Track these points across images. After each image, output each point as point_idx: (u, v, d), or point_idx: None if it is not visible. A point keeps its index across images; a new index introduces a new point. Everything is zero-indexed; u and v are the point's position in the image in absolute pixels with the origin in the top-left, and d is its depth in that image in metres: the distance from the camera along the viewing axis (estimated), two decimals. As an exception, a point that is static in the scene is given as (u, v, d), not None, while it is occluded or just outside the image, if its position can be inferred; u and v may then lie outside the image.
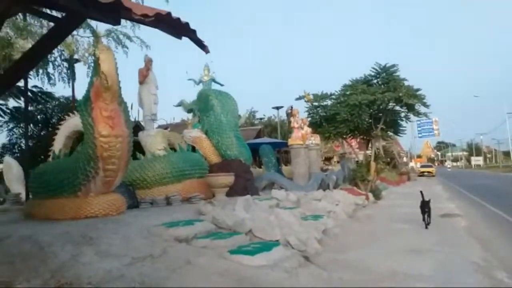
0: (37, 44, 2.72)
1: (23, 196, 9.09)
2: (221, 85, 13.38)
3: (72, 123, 9.61)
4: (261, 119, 32.76)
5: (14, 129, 14.39)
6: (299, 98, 16.21)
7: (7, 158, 11.13)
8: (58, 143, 9.99)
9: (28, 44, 6.66)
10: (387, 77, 16.02)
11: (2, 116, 13.38)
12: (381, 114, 16.28)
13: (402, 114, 17.04)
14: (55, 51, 7.30)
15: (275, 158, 14.72)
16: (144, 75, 9.79)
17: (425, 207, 8.10)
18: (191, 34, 2.11)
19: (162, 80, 10.50)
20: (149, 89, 9.90)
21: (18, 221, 6.46)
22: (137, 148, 10.16)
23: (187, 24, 2.08)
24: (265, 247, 5.18)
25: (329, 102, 16.42)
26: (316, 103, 16.20)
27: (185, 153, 9.60)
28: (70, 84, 11.73)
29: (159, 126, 12.01)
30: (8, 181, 10.37)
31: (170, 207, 7.78)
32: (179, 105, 13.37)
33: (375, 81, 16.53)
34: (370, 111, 15.68)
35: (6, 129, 14.62)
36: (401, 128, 18.39)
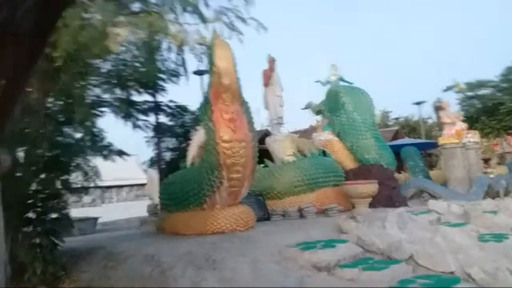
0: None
1: (161, 207, 9.29)
2: (350, 83, 11.99)
3: (203, 133, 9.49)
4: (396, 119, 29.57)
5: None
6: (448, 88, 13.64)
7: (150, 170, 11.73)
8: (191, 154, 9.99)
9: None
10: None
11: (145, 132, 14.33)
12: None
13: None
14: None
15: (422, 162, 12.53)
16: (268, 77, 9.15)
17: None
18: None
19: (286, 81, 9.65)
20: (273, 91, 9.23)
21: (148, 236, 6.35)
22: (267, 156, 9.58)
23: None
24: (439, 284, 3.72)
25: (486, 91, 13.46)
26: (470, 93, 13.43)
27: (316, 158, 8.56)
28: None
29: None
30: (151, 192, 10.83)
31: (303, 220, 6.90)
32: (306, 107, 12.46)
33: (551, 58, 12.98)
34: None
35: (152, 143, 15.72)
36: None
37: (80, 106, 5.71)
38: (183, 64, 6.81)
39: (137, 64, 7.39)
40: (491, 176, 11.54)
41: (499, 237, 5.83)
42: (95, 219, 8.15)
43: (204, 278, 3.92)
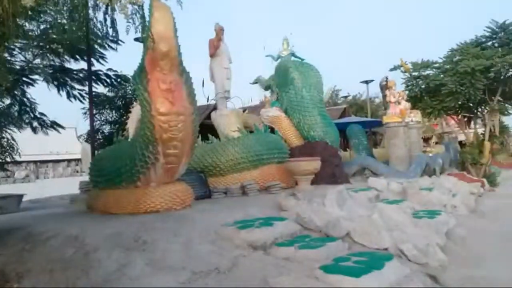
0: None
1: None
2: (302, 59, 11.84)
3: (142, 105, 8.89)
4: (345, 97, 30.17)
5: (96, 115, 14.37)
6: (395, 68, 13.90)
7: (84, 144, 10.97)
8: (131, 128, 9.41)
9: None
10: (506, 37, 12.95)
11: (82, 102, 13.31)
12: (496, 84, 13.30)
13: (527, 83, 13.76)
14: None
15: (367, 140, 12.83)
16: (215, 47, 8.66)
17: None
18: None
19: (237, 55, 9.23)
20: (220, 62, 8.77)
21: (75, 215, 5.87)
22: (213, 131, 9.24)
23: None
24: (372, 261, 3.68)
25: (431, 72, 13.85)
26: (415, 73, 13.74)
27: (262, 134, 8.37)
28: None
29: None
30: (86, 167, 10.16)
31: (245, 198, 6.71)
32: (255, 82, 12.22)
33: (490, 43, 13.52)
34: (484, 80, 12.83)
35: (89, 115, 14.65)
36: (523, 100, 15.03)
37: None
38: (113, 26, 6.22)
39: (65, 25, 6.65)
40: (430, 155, 12.08)
41: (432, 214, 6.04)
42: (20, 196, 7.43)
43: (132, 260, 3.61)
